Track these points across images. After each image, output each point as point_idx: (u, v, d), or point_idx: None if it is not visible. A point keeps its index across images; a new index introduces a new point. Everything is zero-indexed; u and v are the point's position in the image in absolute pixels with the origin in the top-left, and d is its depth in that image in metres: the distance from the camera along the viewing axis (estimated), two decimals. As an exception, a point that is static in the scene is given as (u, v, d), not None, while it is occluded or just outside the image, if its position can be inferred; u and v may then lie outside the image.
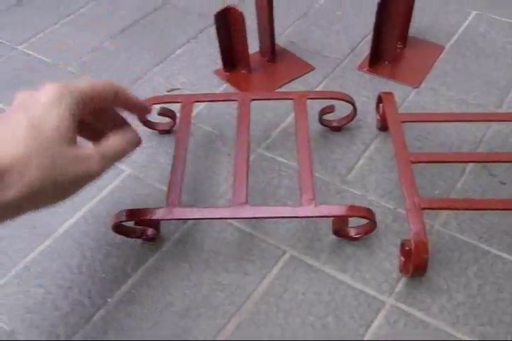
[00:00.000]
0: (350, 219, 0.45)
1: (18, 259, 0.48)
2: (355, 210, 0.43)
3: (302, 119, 0.50)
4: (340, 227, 0.45)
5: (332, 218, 0.46)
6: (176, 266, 0.46)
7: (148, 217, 0.44)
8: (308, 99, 0.52)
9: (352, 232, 0.46)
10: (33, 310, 0.44)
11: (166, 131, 0.58)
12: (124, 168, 0.55)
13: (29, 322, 0.44)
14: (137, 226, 0.46)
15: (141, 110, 0.44)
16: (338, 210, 0.43)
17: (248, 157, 0.47)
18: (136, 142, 0.42)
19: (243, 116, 0.51)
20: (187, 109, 0.52)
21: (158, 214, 0.44)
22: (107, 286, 0.45)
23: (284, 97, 0.53)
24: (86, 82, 0.37)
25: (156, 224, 0.47)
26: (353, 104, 0.52)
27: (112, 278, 0.46)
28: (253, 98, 0.52)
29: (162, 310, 0.44)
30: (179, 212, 0.43)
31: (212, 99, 0.55)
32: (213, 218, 0.44)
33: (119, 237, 0.47)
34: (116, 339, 0.42)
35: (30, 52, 0.70)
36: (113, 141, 0.39)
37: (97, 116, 0.41)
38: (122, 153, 0.39)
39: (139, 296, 0.45)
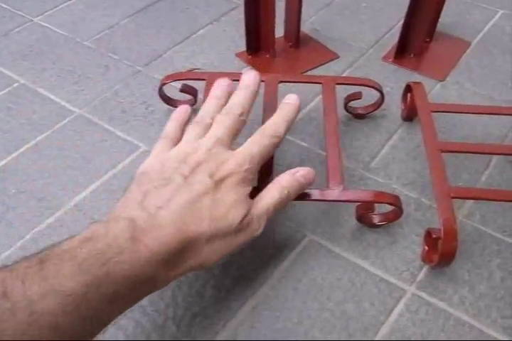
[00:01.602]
0: (375, 205, 0.44)
1: (24, 231, 0.46)
2: (383, 196, 0.42)
3: (330, 104, 0.49)
4: (364, 213, 0.44)
5: (356, 204, 0.45)
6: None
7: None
8: (337, 84, 0.51)
9: (376, 219, 0.45)
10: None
11: (186, 110, 0.56)
12: (139, 144, 0.53)
13: None
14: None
15: None
16: (366, 195, 0.42)
17: (274, 137, 0.46)
18: (300, 184, 0.39)
19: (270, 97, 0.50)
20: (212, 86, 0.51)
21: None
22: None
23: (313, 81, 0.52)
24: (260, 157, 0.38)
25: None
26: (381, 91, 0.51)
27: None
28: (281, 80, 0.51)
29: (174, 289, 0.42)
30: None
31: (238, 78, 0.54)
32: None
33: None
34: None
35: (47, 25, 0.69)
36: (269, 193, 0.38)
37: None
38: (279, 205, 0.37)
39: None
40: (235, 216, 0.34)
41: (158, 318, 0.40)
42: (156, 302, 0.41)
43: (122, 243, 0.30)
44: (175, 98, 0.56)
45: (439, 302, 0.41)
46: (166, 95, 0.55)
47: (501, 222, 0.46)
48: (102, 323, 0.30)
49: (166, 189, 0.34)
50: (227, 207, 0.34)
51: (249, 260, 0.44)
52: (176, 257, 0.32)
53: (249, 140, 0.39)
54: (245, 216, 0.35)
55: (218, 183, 0.35)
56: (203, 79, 0.52)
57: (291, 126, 0.40)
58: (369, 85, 0.51)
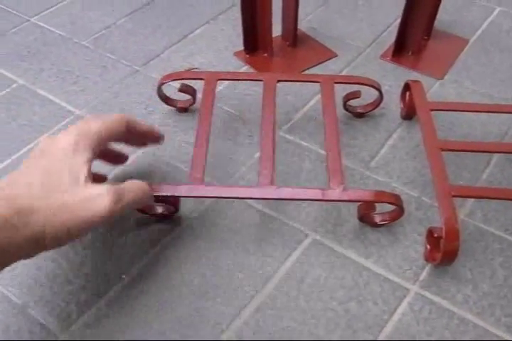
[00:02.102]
0: (377, 205, 0.44)
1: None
2: (384, 196, 0.42)
3: (329, 103, 0.49)
4: (366, 213, 0.44)
5: (358, 203, 0.45)
6: (194, 245, 0.45)
7: (171, 194, 0.42)
8: (336, 83, 0.51)
9: (378, 218, 0.45)
10: (45, 284, 0.43)
11: (184, 109, 0.56)
12: (140, 145, 0.53)
13: (40, 297, 0.42)
14: (156, 202, 0.45)
15: (153, 139, 0.46)
16: (367, 195, 0.42)
17: (274, 138, 0.46)
18: (150, 196, 0.41)
19: (268, 97, 0.50)
20: (211, 86, 0.51)
21: (182, 191, 0.42)
22: (121, 263, 0.44)
23: (311, 80, 0.52)
24: (99, 123, 0.39)
25: (176, 201, 0.46)
26: (380, 90, 0.51)
27: (127, 254, 0.45)
28: (279, 79, 0.51)
29: (179, 289, 0.42)
30: (204, 190, 0.42)
31: (237, 77, 0.54)
32: (239, 197, 0.43)
33: (134, 213, 0.46)
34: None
35: (44, 25, 0.68)
36: (130, 184, 0.39)
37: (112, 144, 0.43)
38: (136, 196, 0.38)
39: (156, 274, 0.43)
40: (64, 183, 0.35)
41: (164, 317, 0.41)
42: (161, 302, 0.41)
43: None
44: (174, 98, 0.56)
45: (442, 301, 0.42)
46: (164, 95, 0.55)
47: (503, 221, 0.46)
48: None
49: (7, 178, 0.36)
50: (58, 176, 0.35)
51: (253, 260, 0.44)
52: (10, 223, 0.32)
53: None
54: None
55: (44, 153, 0.37)
56: (202, 79, 0.52)
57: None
58: (367, 84, 0.51)
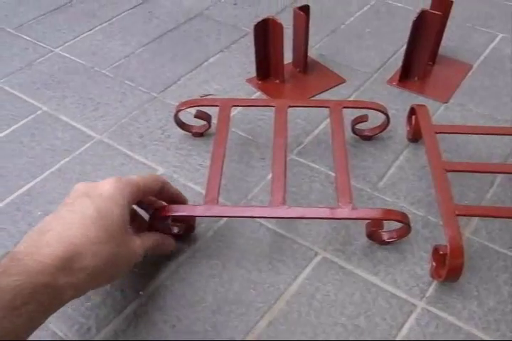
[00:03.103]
0: (384, 223, 0.46)
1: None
2: (391, 214, 0.44)
3: (338, 126, 0.51)
4: (374, 231, 0.46)
5: (366, 221, 0.47)
6: (209, 263, 0.47)
7: (187, 214, 0.45)
8: (344, 107, 0.53)
9: (385, 236, 0.47)
10: (66, 300, 0.45)
11: (200, 134, 0.59)
12: (157, 168, 0.56)
13: (60, 313, 0.43)
14: (173, 222, 0.47)
15: (179, 202, 0.48)
16: (375, 213, 0.44)
17: (286, 160, 0.48)
18: (171, 244, 0.47)
19: (280, 122, 0.52)
20: (225, 112, 0.53)
21: (198, 211, 0.44)
22: (139, 280, 0.46)
23: (321, 105, 0.55)
24: (138, 177, 0.43)
25: (192, 221, 0.48)
26: (387, 114, 0.54)
27: (144, 272, 0.47)
28: (290, 105, 0.54)
29: (194, 305, 0.44)
30: (219, 210, 0.44)
31: (250, 104, 0.57)
32: (252, 216, 0.45)
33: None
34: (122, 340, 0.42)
35: (67, 55, 0.72)
36: (152, 234, 0.44)
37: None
38: (157, 247, 0.44)
39: (171, 291, 0.45)
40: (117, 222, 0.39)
41: (179, 332, 0.42)
42: (176, 318, 0.43)
43: (6, 263, 0.33)
44: (189, 123, 0.58)
45: (448, 317, 0.43)
46: (181, 121, 0.58)
47: (507, 239, 0.48)
48: (14, 333, 0.32)
49: (53, 219, 0.39)
50: (110, 219, 0.38)
51: (265, 277, 0.46)
52: (68, 262, 0.35)
53: None
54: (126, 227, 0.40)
55: (89, 195, 0.39)
56: (216, 106, 0.55)
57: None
58: (375, 108, 0.54)
